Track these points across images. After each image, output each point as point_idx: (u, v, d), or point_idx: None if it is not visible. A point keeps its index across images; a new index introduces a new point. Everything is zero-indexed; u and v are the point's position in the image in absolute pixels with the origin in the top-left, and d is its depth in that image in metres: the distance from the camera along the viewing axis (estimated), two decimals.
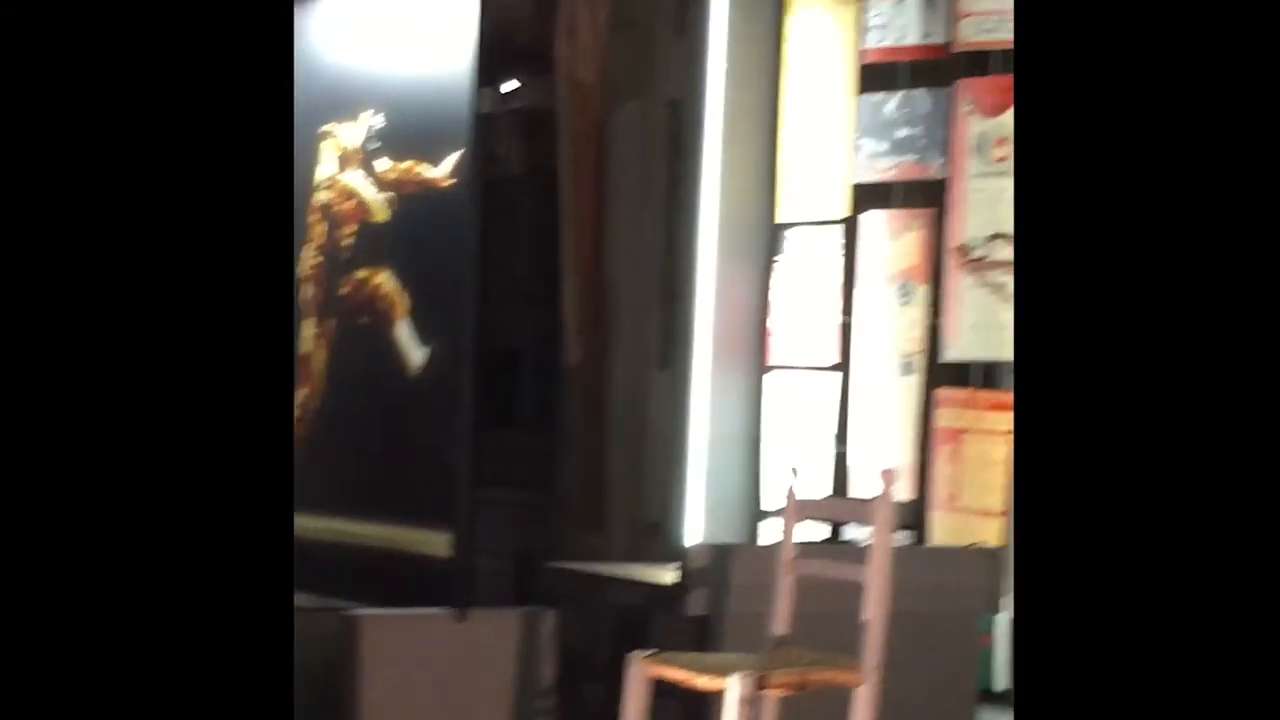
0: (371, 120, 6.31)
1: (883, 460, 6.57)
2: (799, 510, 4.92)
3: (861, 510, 4.84)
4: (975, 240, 6.21)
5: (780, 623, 4.82)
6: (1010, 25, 6.37)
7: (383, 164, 6.25)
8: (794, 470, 4.93)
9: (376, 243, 6.26)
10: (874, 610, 4.56)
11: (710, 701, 4.65)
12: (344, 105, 6.40)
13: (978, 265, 3.31)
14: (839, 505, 6.20)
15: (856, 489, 6.78)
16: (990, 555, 6.00)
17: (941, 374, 6.60)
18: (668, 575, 5.77)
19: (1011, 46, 6.39)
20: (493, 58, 5.76)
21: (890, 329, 6.75)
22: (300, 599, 4.11)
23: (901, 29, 6.75)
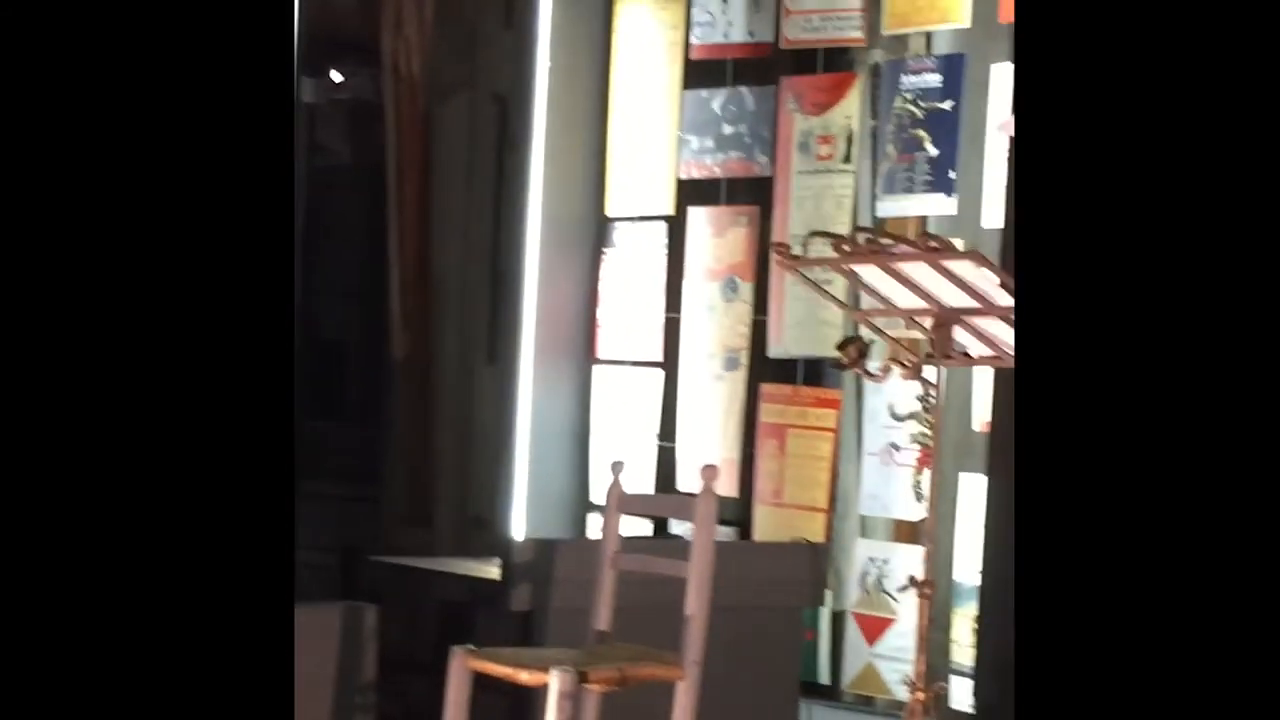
0: None
1: (707, 456, 6.60)
2: (623, 505, 4.93)
3: (684, 506, 4.85)
4: (795, 238, 6.25)
5: (602, 618, 4.82)
6: (834, 25, 6.42)
7: None
8: (618, 465, 4.93)
9: None
10: (695, 605, 4.57)
11: (532, 696, 4.64)
12: None
13: (798, 263, 3.32)
14: (662, 501, 6.21)
15: (682, 484, 6.80)
16: (813, 550, 6.04)
17: (766, 370, 6.64)
18: (492, 570, 5.75)
19: (835, 45, 6.45)
20: (317, 48, 5.72)
21: (716, 325, 6.78)
22: None
23: (727, 26, 6.77)
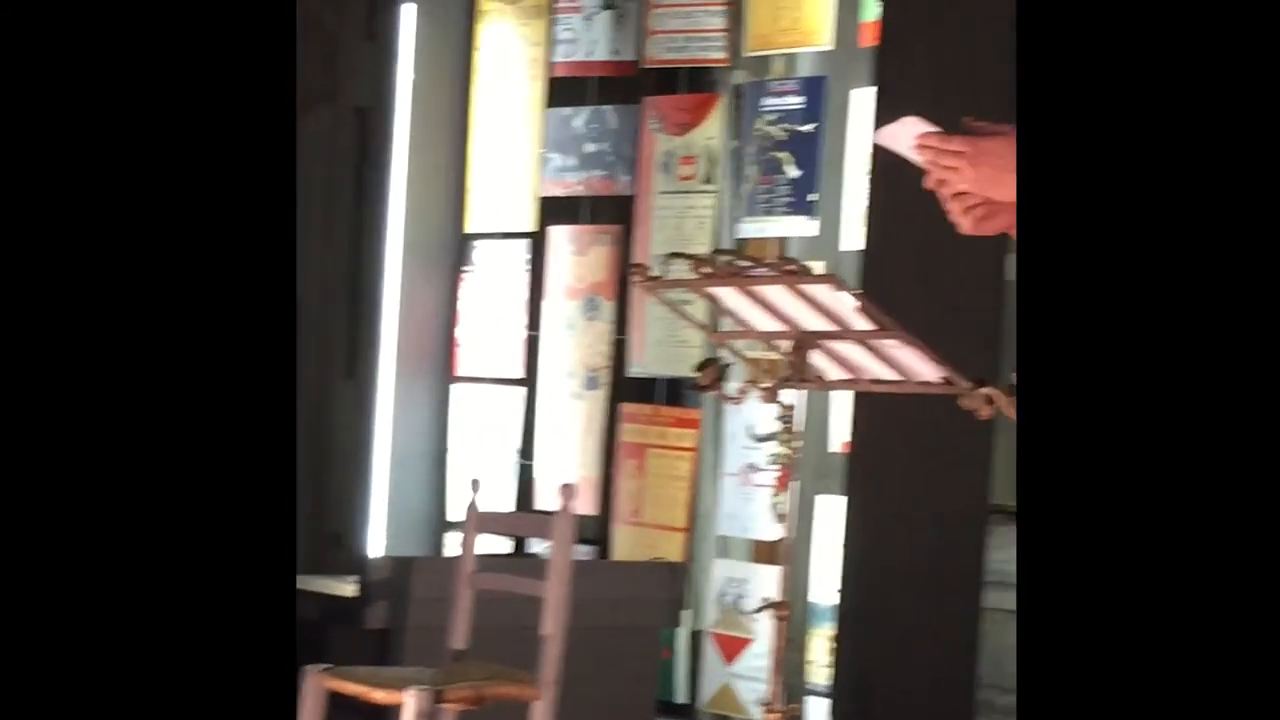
0: None
1: (567, 474, 6.59)
2: (480, 523, 4.91)
3: (542, 525, 4.84)
4: (657, 258, 6.26)
5: (459, 637, 4.80)
6: (697, 45, 6.43)
7: None
8: (475, 483, 4.92)
9: None
10: (552, 625, 4.56)
11: (388, 716, 4.61)
12: None
13: (656, 284, 3.32)
14: (520, 520, 6.20)
15: (542, 503, 6.79)
16: (671, 570, 6.04)
17: (627, 389, 6.64)
18: (348, 588, 5.71)
19: (698, 66, 6.47)
20: None
21: (576, 343, 6.77)
22: None
23: (591, 44, 6.77)
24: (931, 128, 3.01)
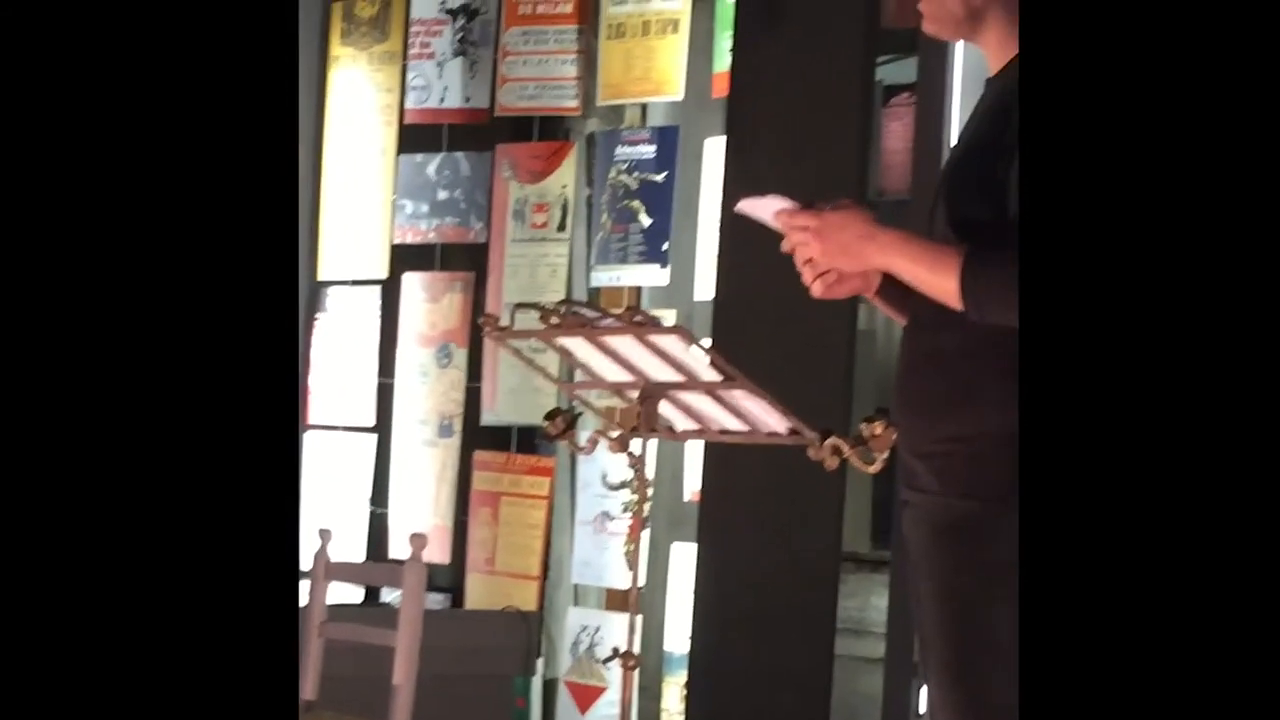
0: None
1: (420, 522, 6.56)
2: (330, 573, 4.87)
3: (393, 574, 4.81)
4: (509, 306, 6.26)
5: (309, 687, 4.75)
6: (550, 93, 6.45)
7: None
8: (325, 533, 4.87)
9: None
10: (403, 675, 4.53)
11: None
12: None
13: (505, 334, 3.31)
14: (371, 569, 6.17)
15: (394, 551, 6.75)
16: (525, 618, 6.03)
17: (480, 437, 6.62)
18: None
19: (551, 114, 6.48)
20: None
21: (430, 391, 6.75)
22: None
23: (443, 91, 6.76)
24: (788, 203, 3.23)
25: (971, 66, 5.00)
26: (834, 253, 3.22)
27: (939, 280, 3.14)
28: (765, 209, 3.26)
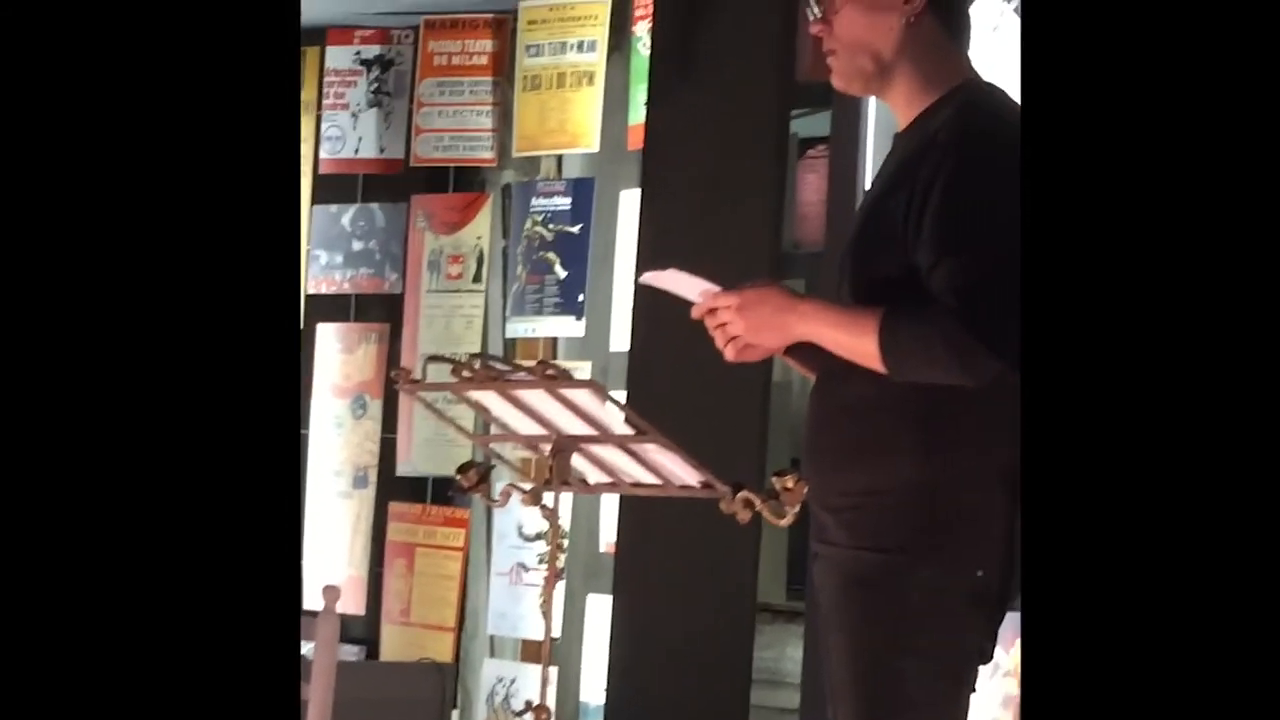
0: None
1: (334, 574, 6.53)
2: None
3: (306, 625, 4.78)
4: (424, 356, 6.26)
5: None
6: (466, 144, 6.45)
7: None
8: None
9: None
10: None
11: None
12: None
13: (418, 387, 3.31)
14: None
15: (308, 603, 6.70)
16: (440, 670, 6.00)
17: (395, 488, 6.60)
18: None
19: (466, 165, 6.48)
20: None
21: (344, 442, 6.73)
22: None
23: (358, 141, 6.76)
24: (693, 279, 3.32)
25: (884, 119, 5.03)
26: (756, 329, 3.28)
27: (859, 344, 3.18)
28: (669, 282, 3.34)
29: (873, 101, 5.06)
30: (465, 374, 3.14)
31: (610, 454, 3.22)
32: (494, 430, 3.33)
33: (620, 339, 5.86)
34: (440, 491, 6.49)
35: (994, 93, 3.35)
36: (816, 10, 3.39)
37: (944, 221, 3.17)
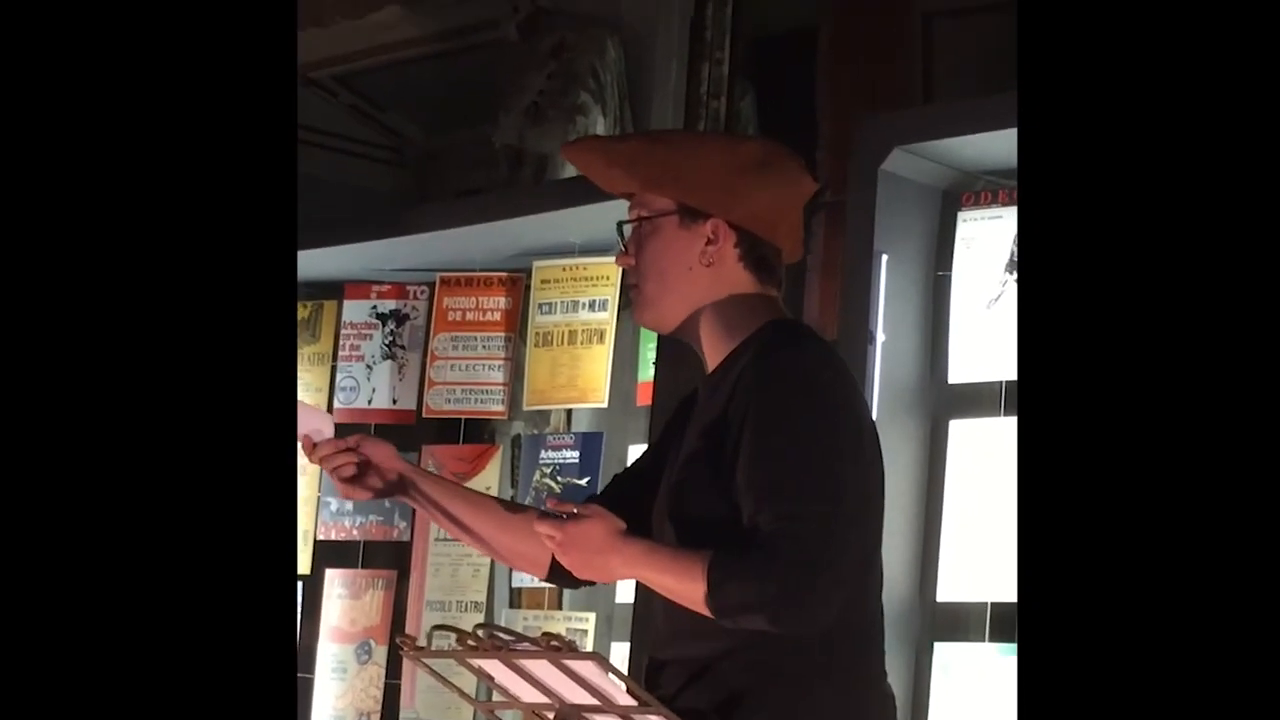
0: None
1: None
2: None
3: None
4: (431, 604, 6.35)
5: None
6: (477, 397, 6.54)
7: None
8: None
9: None
10: None
11: None
12: None
13: (423, 654, 3.38)
14: None
15: None
16: None
17: None
18: None
19: (476, 417, 6.56)
20: None
21: (348, 686, 6.73)
22: None
23: (371, 392, 6.85)
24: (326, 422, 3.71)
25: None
26: (579, 565, 3.34)
27: (685, 589, 3.23)
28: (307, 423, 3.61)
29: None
30: (470, 643, 3.21)
31: None
32: (498, 697, 3.39)
33: (625, 589, 5.90)
34: None
35: (796, 330, 3.39)
36: (622, 245, 3.46)
37: (760, 467, 3.21)
